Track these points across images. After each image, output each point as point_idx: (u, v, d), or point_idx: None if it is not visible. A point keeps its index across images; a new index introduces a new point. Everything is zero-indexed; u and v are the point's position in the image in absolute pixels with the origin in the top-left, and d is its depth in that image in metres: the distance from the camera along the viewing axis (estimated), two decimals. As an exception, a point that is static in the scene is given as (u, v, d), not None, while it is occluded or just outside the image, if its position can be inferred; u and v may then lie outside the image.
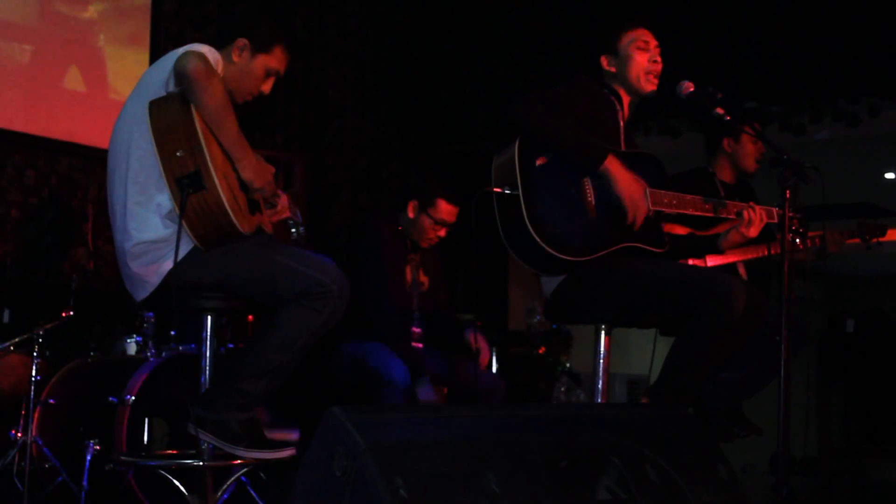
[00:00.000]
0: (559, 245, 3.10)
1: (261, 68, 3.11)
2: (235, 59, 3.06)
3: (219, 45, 3.04)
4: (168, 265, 2.88)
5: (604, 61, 3.39)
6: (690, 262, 3.75)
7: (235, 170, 2.90)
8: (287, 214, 3.26)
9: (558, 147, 3.15)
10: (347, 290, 2.94)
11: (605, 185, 3.21)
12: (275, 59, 3.13)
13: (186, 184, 2.73)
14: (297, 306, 2.89)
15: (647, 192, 3.27)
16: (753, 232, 3.38)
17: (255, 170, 2.92)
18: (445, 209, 4.44)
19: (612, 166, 3.14)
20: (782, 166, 3.01)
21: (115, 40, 5.39)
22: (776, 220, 3.40)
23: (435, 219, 4.42)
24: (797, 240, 3.01)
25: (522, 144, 3.16)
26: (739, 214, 3.38)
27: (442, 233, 4.48)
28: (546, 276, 3.33)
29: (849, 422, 8.45)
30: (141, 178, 2.86)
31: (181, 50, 2.88)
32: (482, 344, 4.44)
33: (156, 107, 2.83)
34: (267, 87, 3.17)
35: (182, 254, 2.87)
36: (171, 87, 2.83)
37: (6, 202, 4.89)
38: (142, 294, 2.99)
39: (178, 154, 2.76)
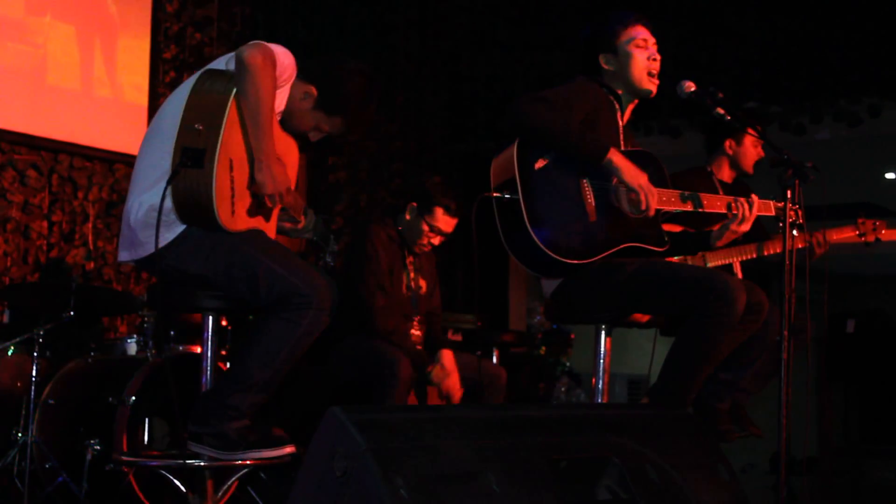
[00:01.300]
0: (560, 248, 3.10)
1: (313, 121, 3.09)
2: (297, 100, 3.03)
3: (298, 72, 3.02)
4: (166, 238, 2.87)
5: (601, 60, 3.37)
6: (689, 261, 3.75)
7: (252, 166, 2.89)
8: (309, 236, 3.22)
9: (560, 145, 3.14)
10: (329, 303, 2.89)
11: (605, 187, 3.21)
12: (331, 125, 3.10)
13: (189, 154, 2.74)
14: (276, 318, 2.87)
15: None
16: (745, 227, 3.36)
17: (271, 175, 2.87)
18: (442, 220, 4.39)
19: (616, 158, 3.14)
20: (782, 166, 3.01)
21: (116, 40, 5.39)
22: (773, 213, 3.39)
23: (431, 226, 4.39)
24: (795, 231, 3.01)
25: (521, 147, 3.15)
26: (729, 208, 3.36)
27: (436, 241, 4.45)
28: (547, 279, 3.33)
29: (849, 422, 8.44)
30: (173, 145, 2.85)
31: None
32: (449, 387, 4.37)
33: (206, 75, 2.86)
34: (314, 138, 3.15)
35: (173, 235, 2.86)
36: (230, 67, 2.84)
37: (7, 202, 4.89)
38: (124, 256, 2.98)
39: (196, 126, 2.77)
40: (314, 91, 3.05)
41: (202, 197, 2.77)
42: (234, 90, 2.79)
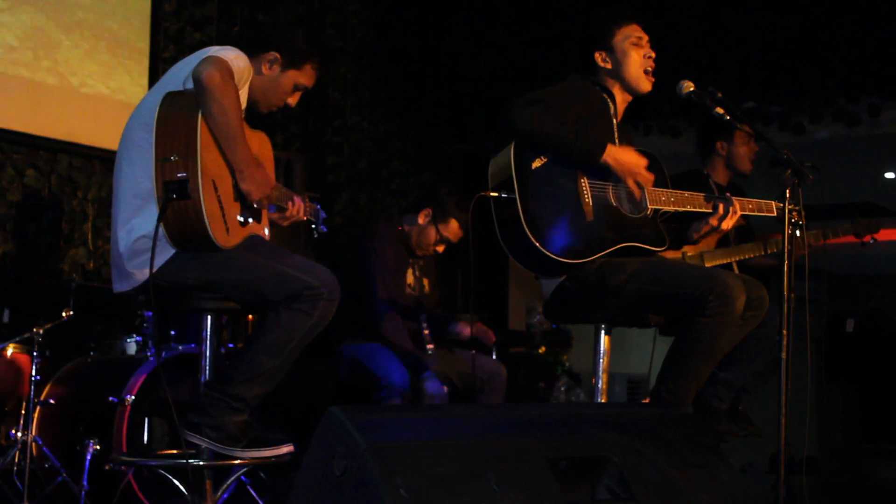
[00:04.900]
0: (557, 248, 3.10)
1: (289, 83, 3.11)
2: (265, 71, 3.07)
3: (250, 53, 3.03)
4: (160, 261, 2.87)
5: (598, 57, 3.37)
6: (669, 255, 3.74)
7: (234, 177, 2.89)
8: (301, 218, 3.24)
9: (555, 147, 3.14)
10: (338, 293, 2.94)
11: (603, 186, 3.21)
12: (304, 76, 3.13)
13: (173, 188, 2.73)
14: (287, 309, 2.89)
15: (646, 192, 3.27)
16: (726, 224, 3.35)
17: (256, 182, 2.89)
18: (454, 231, 4.49)
19: (612, 159, 3.15)
20: (782, 166, 3.01)
21: (115, 40, 5.38)
22: (775, 213, 3.39)
23: (442, 235, 4.44)
24: (798, 232, 3.00)
25: (518, 147, 3.15)
26: (715, 206, 3.36)
27: (440, 248, 4.50)
28: (545, 278, 3.33)
29: (849, 421, 8.44)
30: (151, 171, 2.85)
31: (210, 50, 2.87)
32: (481, 329, 4.46)
33: (168, 99, 2.83)
34: (293, 101, 3.17)
35: (167, 257, 2.86)
36: (189, 85, 2.83)
37: (6, 202, 4.88)
38: (120, 287, 2.99)
39: (172, 158, 2.76)
40: (277, 55, 3.08)
41: (196, 226, 2.76)
42: (200, 112, 2.78)
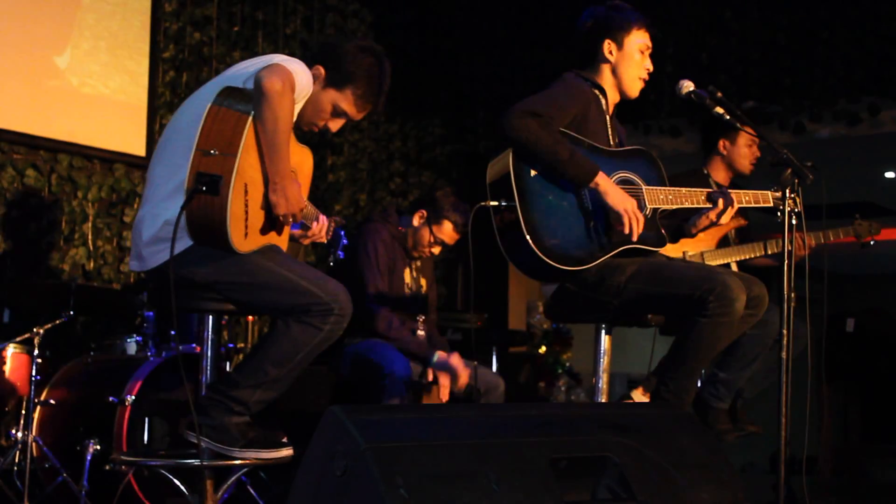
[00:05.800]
0: (559, 256, 3.09)
1: (328, 103, 3.08)
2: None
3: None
4: (176, 250, 2.86)
5: (606, 46, 3.35)
6: (671, 252, 3.74)
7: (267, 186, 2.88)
8: (321, 239, 3.21)
9: (549, 164, 3.12)
10: (349, 308, 2.93)
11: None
12: (345, 100, 3.08)
13: (205, 181, 2.73)
14: (297, 322, 2.88)
15: (644, 191, 3.26)
16: (724, 218, 3.34)
17: (286, 197, 2.87)
18: (449, 233, 4.45)
19: (602, 183, 3.14)
20: (782, 166, 3.01)
21: (115, 40, 5.38)
22: (771, 204, 3.38)
23: (436, 237, 4.43)
24: (794, 220, 2.99)
25: (516, 155, 3.14)
26: (713, 201, 3.34)
27: (436, 250, 4.49)
28: (547, 284, 3.33)
29: (849, 421, 8.44)
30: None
31: (276, 58, 2.86)
32: (441, 379, 4.30)
33: (224, 94, 2.82)
34: (334, 126, 3.12)
35: (183, 248, 2.86)
36: (249, 86, 2.82)
37: (6, 202, 4.88)
38: (133, 265, 2.99)
39: (212, 151, 2.75)
40: (321, 70, 3.05)
41: (216, 223, 2.76)
42: (252, 114, 2.78)
